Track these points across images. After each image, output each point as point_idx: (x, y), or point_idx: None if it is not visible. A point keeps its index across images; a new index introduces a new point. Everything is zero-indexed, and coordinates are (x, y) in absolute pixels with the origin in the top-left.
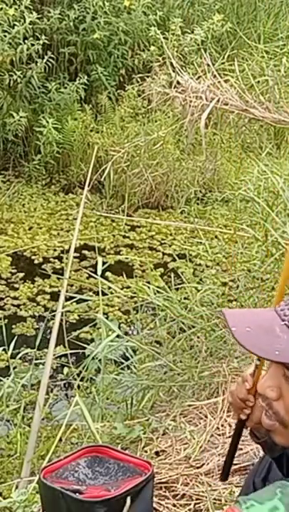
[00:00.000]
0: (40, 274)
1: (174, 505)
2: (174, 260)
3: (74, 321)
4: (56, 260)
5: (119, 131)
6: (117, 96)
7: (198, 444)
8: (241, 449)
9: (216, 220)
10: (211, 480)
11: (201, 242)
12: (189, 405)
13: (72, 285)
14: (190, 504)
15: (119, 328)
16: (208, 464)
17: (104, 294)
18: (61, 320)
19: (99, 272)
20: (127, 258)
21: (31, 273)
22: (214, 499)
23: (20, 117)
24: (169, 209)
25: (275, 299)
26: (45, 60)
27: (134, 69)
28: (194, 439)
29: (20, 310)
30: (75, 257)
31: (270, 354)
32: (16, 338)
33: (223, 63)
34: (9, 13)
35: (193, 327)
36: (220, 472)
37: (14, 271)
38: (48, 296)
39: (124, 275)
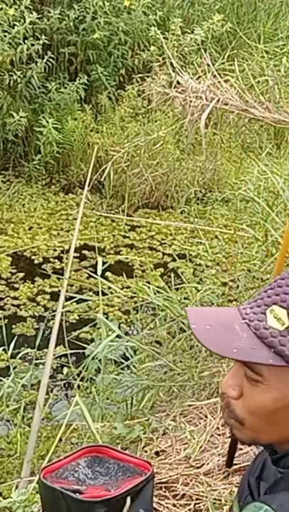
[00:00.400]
0: (40, 274)
1: (174, 505)
2: (174, 260)
3: (74, 321)
4: (56, 260)
5: (119, 131)
6: (117, 96)
7: (198, 444)
8: (241, 449)
9: (216, 220)
10: (211, 480)
11: (201, 242)
12: (189, 405)
13: (72, 285)
14: (190, 504)
15: (119, 328)
16: (208, 464)
17: (104, 294)
18: (61, 320)
19: (99, 272)
20: (127, 258)
21: (31, 273)
22: (214, 499)
23: (21, 117)
24: (169, 209)
25: (274, 271)
26: (45, 60)
27: (134, 69)
28: (194, 439)
29: (21, 310)
30: (75, 257)
31: (228, 352)
32: (16, 338)
33: (223, 63)
34: (9, 13)
35: None
36: (225, 461)
37: (14, 271)
38: (48, 296)
39: (124, 275)
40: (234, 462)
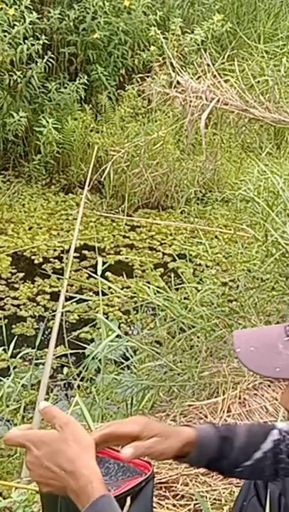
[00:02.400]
0: (40, 274)
1: (174, 505)
2: (174, 260)
3: (74, 321)
4: (56, 260)
5: (119, 131)
6: (117, 96)
7: None
8: None
9: (216, 220)
10: (211, 480)
11: (201, 242)
12: (189, 405)
13: (72, 285)
14: (190, 504)
15: (119, 328)
16: None
17: (104, 294)
18: (61, 320)
19: (99, 272)
20: (127, 258)
21: (31, 273)
22: (214, 499)
23: (21, 117)
24: (169, 209)
25: None
26: (45, 60)
27: (134, 69)
28: None
29: (20, 310)
30: (75, 257)
31: (271, 371)
32: (16, 338)
33: (223, 63)
34: (9, 13)
35: (193, 327)
36: None
37: (14, 271)
38: (48, 296)
39: (124, 275)
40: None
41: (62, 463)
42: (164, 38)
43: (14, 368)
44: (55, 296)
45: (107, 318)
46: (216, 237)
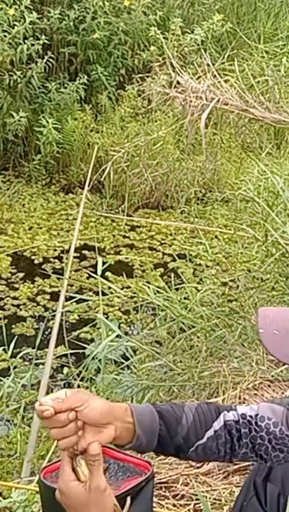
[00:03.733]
0: (40, 274)
1: (174, 505)
2: (174, 260)
3: (74, 321)
4: (56, 260)
5: (119, 131)
6: (117, 96)
7: None
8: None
9: (216, 220)
10: (211, 480)
11: (201, 242)
12: None
13: (72, 285)
14: (190, 504)
15: (119, 328)
16: (208, 464)
17: (104, 294)
18: (61, 320)
19: (99, 272)
20: (127, 258)
21: (31, 273)
22: (214, 499)
23: (21, 117)
24: (169, 209)
25: None
26: (45, 60)
27: (134, 69)
28: None
29: (20, 310)
30: (75, 257)
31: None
32: (16, 338)
33: (223, 63)
34: (9, 13)
35: (193, 327)
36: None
37: (14, 271)
38: (48, 296)
39: (124, 275)
40: (234, 462)
41: None
42: (164, 38)
43: (14, 367)
44: (55, 296)
45: (107, 318)
46: (216, 237)
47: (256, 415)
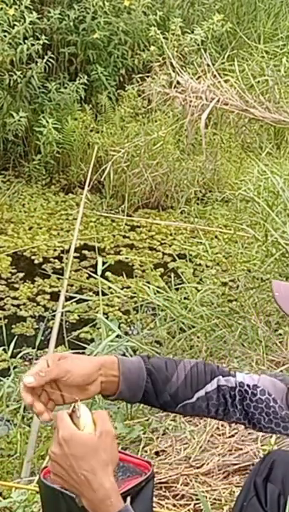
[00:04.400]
0: (40, 274)
1: (174, 505)
2: (174, 260)
3: (74, 321)
4: (56, 260)
5: (119, 131)
6: (117, 96)
7: (198, 444)
8: (241, 449)
9: (216, 220)
10: (211, 480)
11: (201, 242)
12: None
13: (72, 285)
14: (190, 504)
15: (119, 328)
16: (208, 464)
17: (104, 294)
18: (61, 320)
19: (99, 272)
20: (127, 258)
21: (31, 273)
22: (214, 499)
23: (21, 117)
24: (169, 209)
25: None
26: (45, 60)
27: (134, 69)
28: (194, 439)
29: (20, 310)
30: (75, 257)
31: None
32: (16, 338)
33: (223, 63)
34: (9, 13)
35: (193, 327)
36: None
37: (14, 271)
38: (48, 296)
39: (124, 275)
40: (234, 462)
41: (85, 469)
42: (164, 38)
43: (14, 368)
44: (55, 296)
45: (107, 318)
46: (216, 237)
47: (255, 386)
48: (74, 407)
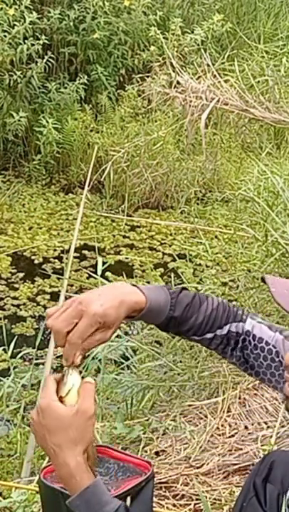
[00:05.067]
0: (40, 274)
1: (174, 505)
2: (174, 260)
3: None
4: (56, 260)
5: (119, 131)
6: (117, 96)
7: (198, 444)
8: (241, 449)
9: (216, 220)
10: (211, 480)
11: (201, 242)
12: (189, 405)
13: (72, 285)
14: (190, 504)
15: (119, 328)
16: (208, 464)
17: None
18: None
19: (99, 272)
20: (127, 258)
21: (31, 273)
22: (214, 499)
23: (21, 117)
24: (169, 209)
25: None
26: (45, 60)
27: (134, 69)
28: (194, 439)
29: (20, 310)
30: (75, 257)
31: None
32: (16, 338)
33: (223, 63)
34: (9, 13)
35: None
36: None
37: (14, 271)
38: (48, 296)
39: (124, 275)
40: (234, 462)
41: (53, 443)
42: (164, 38)
43: (14, 368)
44: (55, 296)
45: None
46: (216, 237)
47: (261, 339)
48: (64, 371)
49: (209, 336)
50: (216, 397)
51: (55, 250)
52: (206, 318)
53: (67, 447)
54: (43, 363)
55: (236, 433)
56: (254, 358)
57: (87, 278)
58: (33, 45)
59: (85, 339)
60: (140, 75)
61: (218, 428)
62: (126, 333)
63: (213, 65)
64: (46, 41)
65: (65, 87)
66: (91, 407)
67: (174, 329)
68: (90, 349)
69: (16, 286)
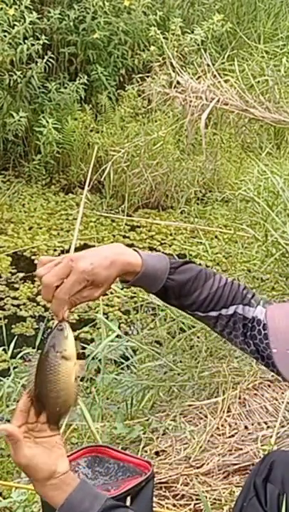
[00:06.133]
0: None
1: (174, 505)
2: None
3: (74, 321)
4: None
5: (119, 131)
6: (117, 96)
7: (198, 444)
8: (241, 449)
9: (216, 220)
10: (211, 480)
11: (201, 242)
12: (189, 405)
13: None
14: (190, 504)
15: (119, 328)
16: (208, 464)
17: (104, 294)
18: None
19: None
20: None
21: (31, 273)
22: (214, 499)
23: (21, 117)
24: (169, 209)
25: None
26: (45, 60)
27: (134, 69)
28: (194, 439)
29: (21, 310)
30: None
31: None
32: (16, 338)
33: (223, 63)
34: (9, 13)
35: (193, 327)
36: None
37: (14, 271)
38: None
39: None
40: (234, 462)
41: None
42: (164, 38)
43: (14, 368)
44: None
45: (107, 318)
46: (216, 237)
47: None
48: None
49: (214, 314)
50: (216, 397)
51: (55, 250)
52: (211, 295)
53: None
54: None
55: (236, 433)
56: (264, 348)
57: None
58: (33, 45)
59: (72, 295)
60: (140, 75)
61: (218, 428)
62: (126, 333)
63: (213, 65)
64: (46, 41)
65: (65, 87)
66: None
67: (176, 301)
68: (77, 305)
69: (16, 286)
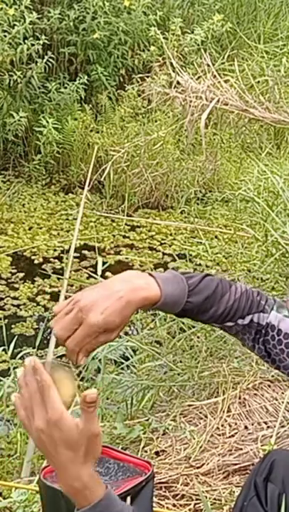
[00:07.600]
0: (40, 274)
1: (174, 505)
2: (174, 260)
3: None
4: (56, 260)
5: (119, 131)
6: (117, 96)
7: (198, 444)
8: (241, 449)
9: (216, 220)
10: (211, 480)
11: (201, 242)
12: (189, 405)
13: (72, 285)
14: (190, 504)
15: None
16: (208, 464)
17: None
18: None
19: (99, 272)
20: (127, 258)
21: (31, 273)
22: (214, 499)
23: (21, 117)
24: (169, 209)
25: None
26: (45, 60)
27: (134, 69)
28: (194, 439)
29: (21, 310)
30: (75, 257)
31: None
32: (16, 338)
33: (223, 63)
34: (9, 13)
35: (194, 327)
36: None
37: (14, 271)
38: (48, 296)
39: None
40: (234, 462)
41: (67, 455)
42: (164, 38)
43: (14, 368)
44: (55, 296)
45: None
46: (216, 237)
47: (283, 332)
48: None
49: (230, 324)
50: (216, 397)
51: (55, 250)
52: (228, 309)
53: (80, 461)
54: (43, 363)
55: (236, 433)
56: (276, 353)
57: (87, 278)
58: (33, 45)
59: (85, 344)
60: (140, 75)
61: (218, 428)
62: (126, 333)
63: (213, 65)
64: (46, 41)
65: (65, 87)
66: (97, 428)
67: (192, 317)
68: (94, 350)
69: (16, 286)
